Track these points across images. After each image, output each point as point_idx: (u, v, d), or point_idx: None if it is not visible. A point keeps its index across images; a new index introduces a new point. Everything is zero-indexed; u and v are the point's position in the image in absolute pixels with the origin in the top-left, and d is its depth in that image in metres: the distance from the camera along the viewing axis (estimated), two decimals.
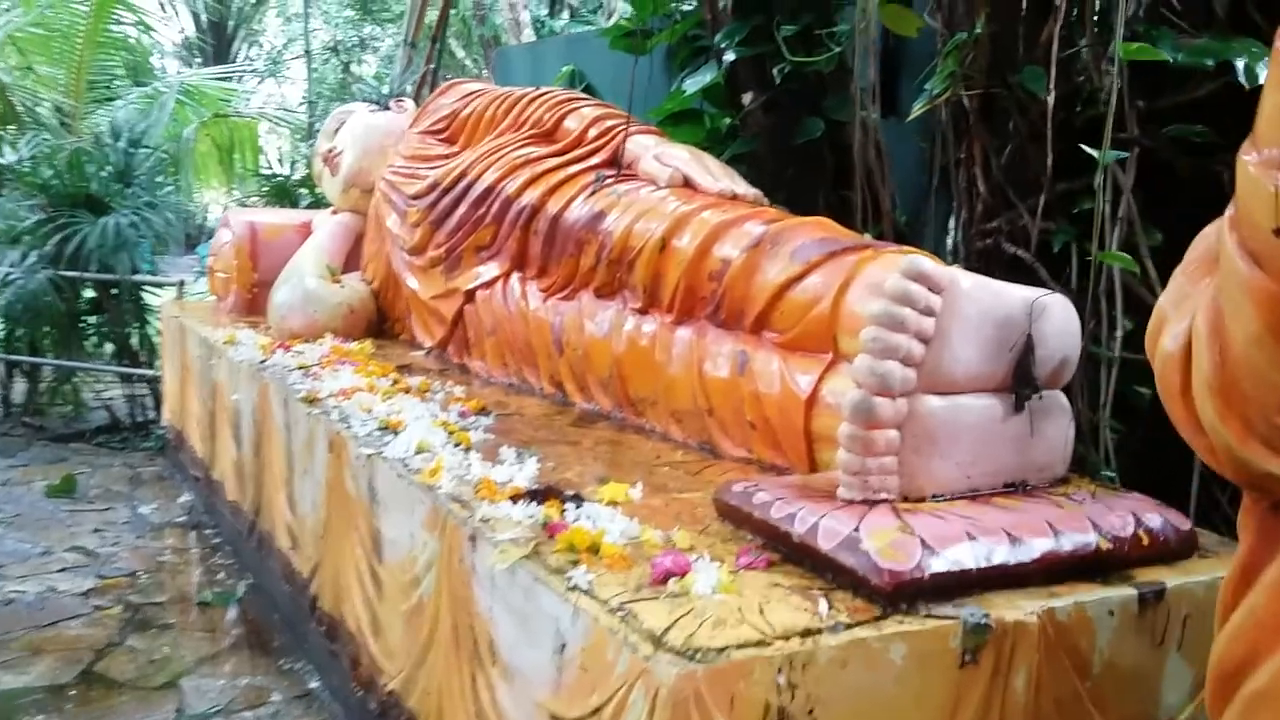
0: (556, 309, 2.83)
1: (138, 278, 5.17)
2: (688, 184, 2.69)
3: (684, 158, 2.75)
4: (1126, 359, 2.34)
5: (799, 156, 3.26)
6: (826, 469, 2.03)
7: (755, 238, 2.26)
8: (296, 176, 5.98)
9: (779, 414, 2.10)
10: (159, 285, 5.38)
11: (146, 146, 5.67)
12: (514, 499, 1.84)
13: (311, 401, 2.69)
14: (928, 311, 1.65)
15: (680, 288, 2.41)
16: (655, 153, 2.82)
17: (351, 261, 4.05)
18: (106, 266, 5.10)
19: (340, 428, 2.43)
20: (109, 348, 5.62)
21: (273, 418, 2.94)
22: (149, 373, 5.19)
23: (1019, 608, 1.49)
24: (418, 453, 2.19)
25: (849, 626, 1.39)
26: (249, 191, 7.96)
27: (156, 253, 5.63)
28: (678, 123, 3.54)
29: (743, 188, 2.60)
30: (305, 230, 4.35)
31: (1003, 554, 1.54)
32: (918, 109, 2.67)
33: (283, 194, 5.78)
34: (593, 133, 3.11)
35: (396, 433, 2.33)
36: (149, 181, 5.49)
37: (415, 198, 3.56)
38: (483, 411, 2.59)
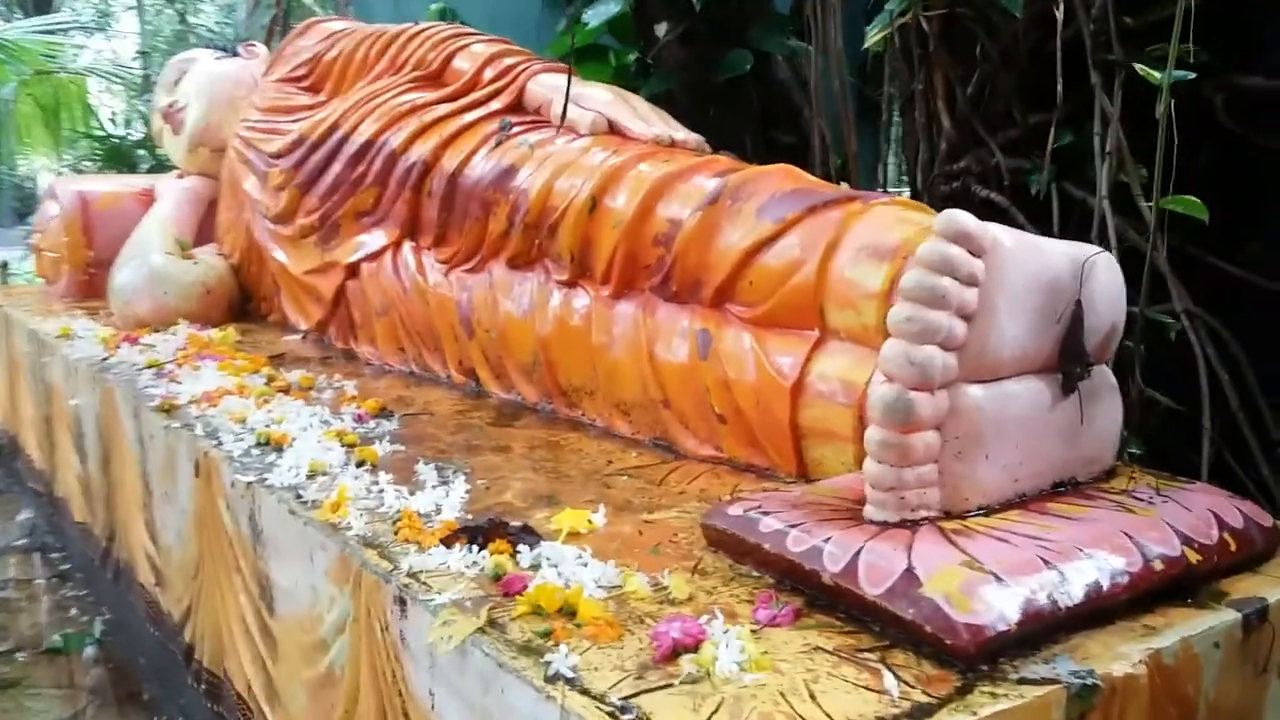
0: (462, 284, 2.40)
1: None
2: (613, 130, 2.28)
3: (606, 99, 2.33)
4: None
5: (721, 95, 2.89)
6: (818, 469, 1.69)
7: (710, 193, 1.88)
8: (135, 137, 5.30)
9: (755, 405, 1.74)
10: None
11: None
12: (448, 541, 1.44)
13: (168, 411, 2.21)
14: (970, 281, 1.30)
15: (618, 255, 2.01)
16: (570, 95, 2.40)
17: (204, 233, 3.51)
18: None
19: (208, 445, 1.97)
20: None
21: (122, 429, 2.44)
22: None
23: (1121, 655, 1.17)
24: (311, 476, 1.76)
25: (932, 710, 1.04)
26: (81, 156, 7.16)
27: None
28: (579, 61, 3.10)
29: (681, 133, 2.20)
30: (147, 198, 3.76)
31: (1087, 581, 1.22)
32: (875, 34, 2.32)
33: (119, 158, 5.11)
34: (489, 73, 2.66)
35: (280, 449, 1.89)
36: None
37: (277, 156, 3.06)
38: (383, 413, 2.16)
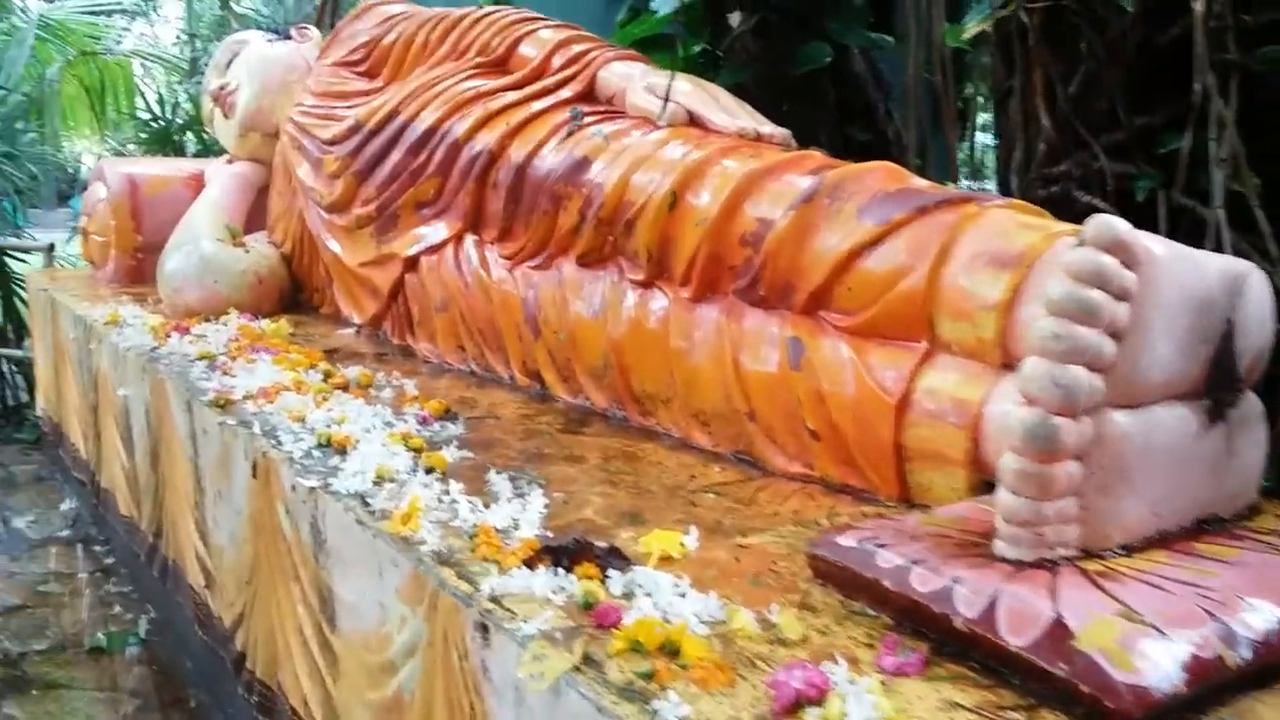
0: (528, 280, 2.29)
1: None
2: (694, 122, 2.17)
3: (686, 89, 2.21)
4: None
5: (796, 89, 2.76)
6: (923, 494, 1.57)
7: (805, 191, 1.76)
8: (179, 121, 5.23)
9: (854, 421, 1.62)
10: (24, 251, 4.63)
11: (2, 88, 4.87)
12: (531, 562, 1.33)
13: (223, 406, 2.12)
14: (1122, 295, 1.18)
15: (700, 255, 1.90)
16: (646, 83, 2.28)
17: (253, 220, 3.43)
18: None
19: (266, 445, 1.87)
20: None
21: (172, 423, 2.35)
22: (16, 354, 4.46)
23: None
24: (378, 483, 1.65)
25: None
26: (125, 138, 7.11)
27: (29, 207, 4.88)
28: (644, 51, 2.99)
29: (768, 127, 2.08)
30: (196, 183, 3.70)
31: (1255, 635, 1.09)
32: (973, 27, 2.18)
33: (165, 141, 5.04)
34: (558, 60, 2.55)
35: (343, 452, 1.80)
36: (6, 129, 4.71)
37: (332, 143, 2.96)
38: (447, 415, 2.06)
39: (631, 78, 2.34)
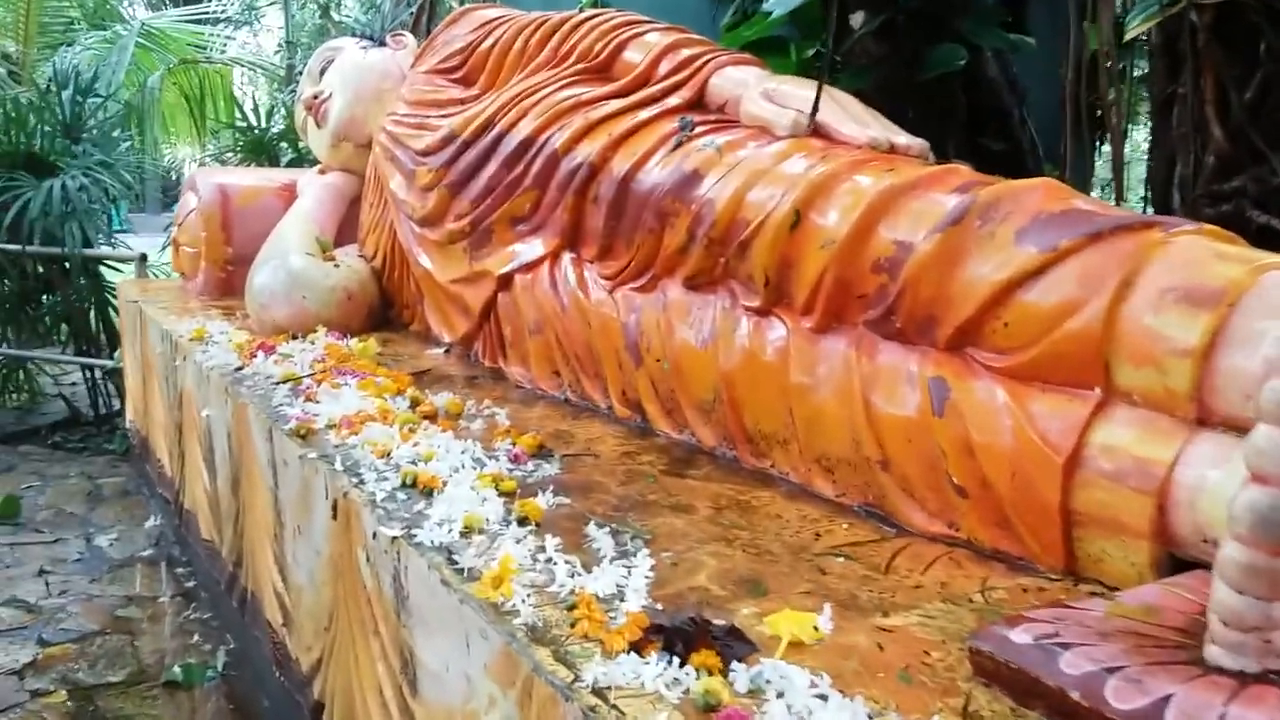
0: (630, 303, 2.12)
1: (89, 251, 4.40)
2: (818, 133, 1.96)
3: (809, 95, 2.01)
4: None
5: (923, 95, 2.53)
6: (1094, 567, 1.34)
7: (953, 211, 1.55)
8: (275, 129, 5.19)
9: (1010, 478, 1.40)
10: (118, 260, 4.61)
11: (98, 95, 4.87)
12: (639, 645, 1.14)
13: (304, 436, 1.98)
14: None
15: (826, 281, 1.69)
16: (763, 89, 2.08)
17: (345, 233, 3.32)
18: (54, 237, 4.33)
19: (348, 484, 1.72)
20: (65, 330, 4.86)
21: (253, 450, 2.23)
22: (108, 364, 4.44)
23: None
24: (465, 534, 1.49)
25: None
26: (224, 146, 7.16)
27: (130, 210, 4.89)
28: (756, 54, 2.80)
29: (903, 137, 1.87)
30: (288, 194, 3.61)
31: None
32: (1138, 25, 1.94)
33: (260, 149, 5.00)
34: (665, 66, 2.36)
35: (429, 494, 1.63)
36: (103, 136, 4.70)
37: (426, 154, 2.82)
38: (542, 451, 1.89)
39: (746, 84, 2.15)
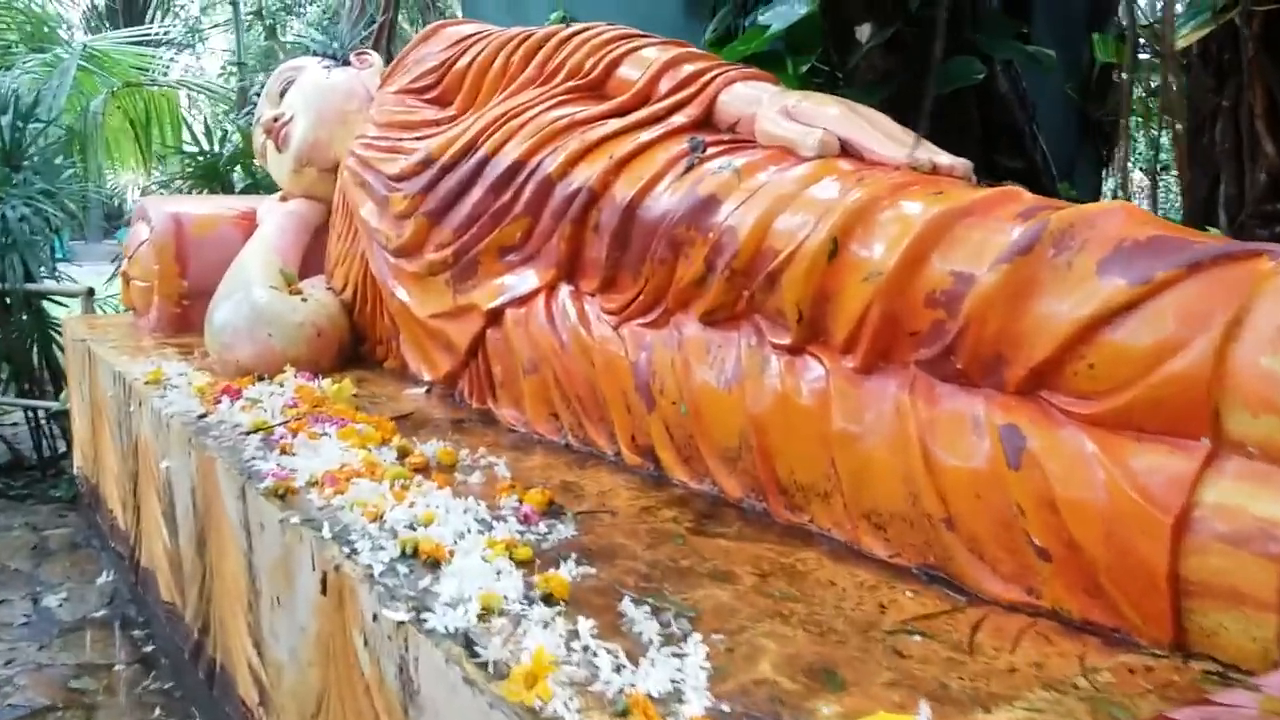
0: (639, 340, 1.94)
1: (31, 286, 4.13)
2: (847, 153, 1.81)
3: (834, 112, 1.85)
4: None
5: (935, 111, 2.39)
6: (1208, 641, 1.19)
7: (1022, 239, 1.39)
8: (226, 153, 4.94)
9: (1104, 540, 1.24)
10: (62, 295, 4.34)
11: (40, 120, 4.61)
12: None
13: (284, 496, 1.77)
14: None
15: (870, 317, 1.53)
16: (782, 107, 1.92)
17: (309, 264, 3.12)
18: None
19: (339, 554, 1.52)
20: (7, 369, 4.57)
21: (223, 508, 2.01)
22: (53, 405, 4.17)
23: None
24: (483, 617, 1.29)
25: None
26: (172, 173, 6.88)
27: (71, 238, 4.62)
28: None
29: (945, 157, 1.71)
30: (247, 222, 3.40)
31: None
32: (1188, 34, 1.80)
33: (213, 174, 4.75)
34: (666, 83, 2.19)
35: (434, 566, 1.44)
36: (44, 164, 4.44)
37: (400, 179, 2.63)
38: (552, 509, 1.70)
39: (760, 101, 1.99)
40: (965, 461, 1.39)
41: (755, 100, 2.00)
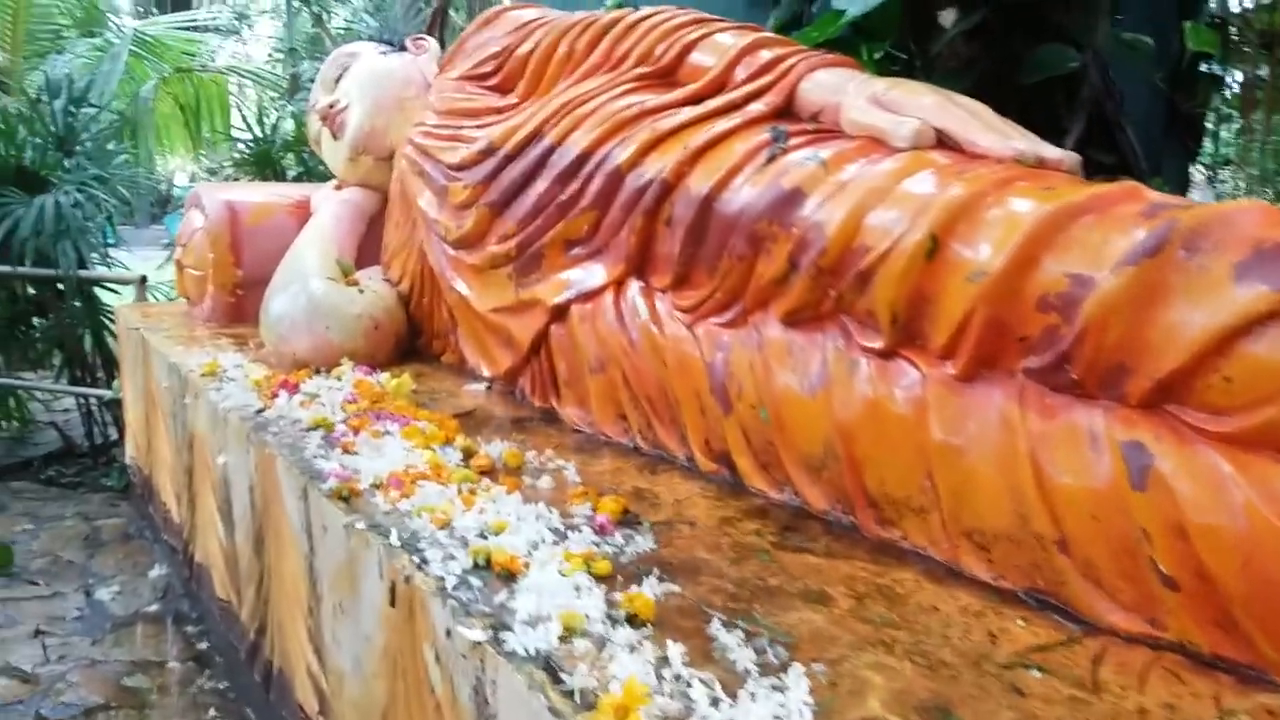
0: (714, 340, 1.85)
1: (85, 273, 4.11)
2: (943, 144, 1.70)
3: (929, 101, 1.75)
4: None
5: (1022, 103, 2.27)
6: None
7: (1149, 240, 1.28)
8: (280, 140, 4.90)
9: (1243, 569, 1.14)
10: (115, 282, 4.32)
11: (92, 105, 4.59)
12: None
13: (348, 499, 1.70)
14: None
15: (974, 321, 1.43)
16: (871, 94, 1.82)
17: (365, 254, 3.06)
18: (46, 257, 4.04)
19: (409, 565, 1.45)
20: (59, 356, 4.56)
21: (282, 508, 1.95)
22: (105, 394, 4.15)
23: None
24: (565, 638, 1.22)
25: None
26: (222, 157, 6.88)
27: (121, 223, 4.61)
28: None
29: (1051, 150, 1.60)
30: (301, 211, 3.34)
31: None
32: None
33: (266, 162, 4.71)
34: (742, 70, 2.10)
35: (510, 579, 1.36)
36: (97, 149, 4.42)
37: (460, 168, 2.56)
38: (627, 518, 1.62)
39: (845, 89, 1.89)
40: (1082, 480, 1.30)
41: (840, 88, 1.90)
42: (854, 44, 2.57)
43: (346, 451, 1.91)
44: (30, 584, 3.06)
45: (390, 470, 1.77)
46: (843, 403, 1.59)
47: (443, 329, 2.76)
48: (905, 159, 1.65)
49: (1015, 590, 1.38)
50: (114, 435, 4.44)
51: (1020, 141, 1.61)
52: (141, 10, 16.56)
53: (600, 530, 1.55)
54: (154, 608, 2.90)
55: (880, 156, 1.69)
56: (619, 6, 3.94)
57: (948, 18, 2.26)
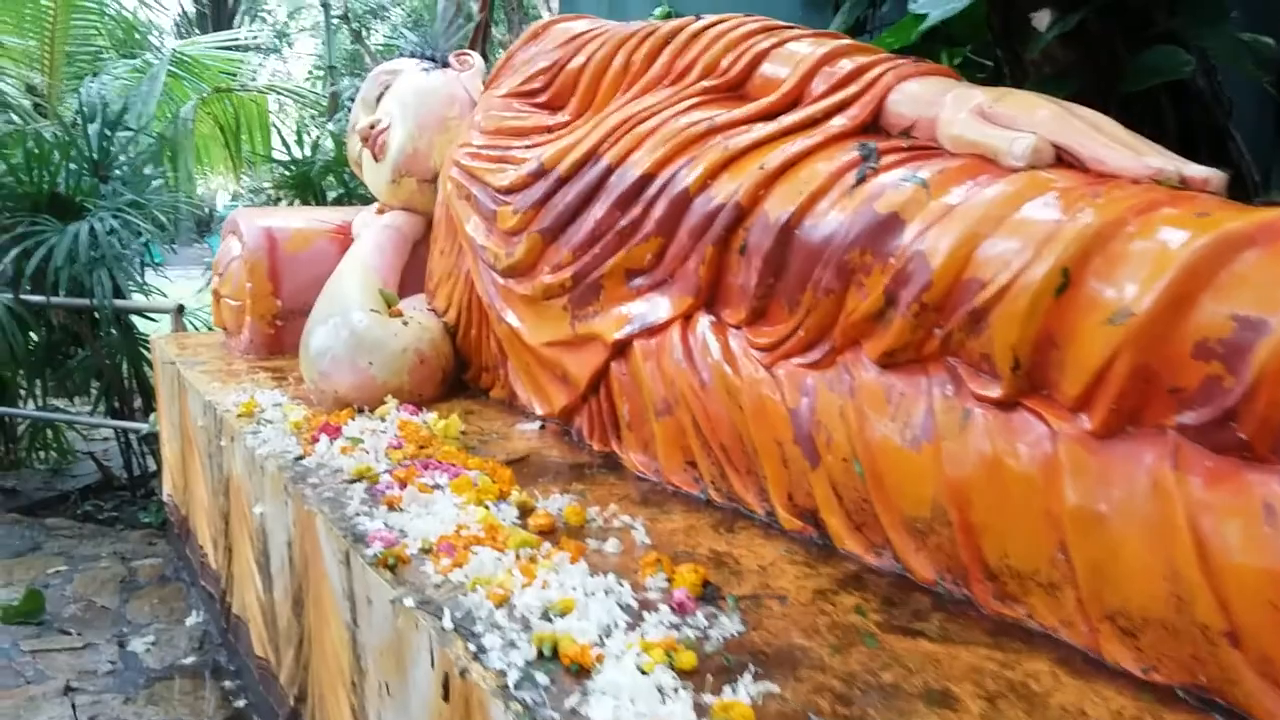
0: (798, 382, 1.66)
1: (121, 303, 3.99)
2: (1063, 162, 1.50)
3: (1046, 114, 1.54)
4: None
5: (1123, 110, 2.06)
6: None
7: None
8: (321, 160, 4.77)
9: None
10: (152, 311, 4.20)
11: (129, 128, 4.48)
12: None
13: (394, 568, 1.53)
14: None
15: (1117, 369, 1.23)
16: (975, 106, 1.62)
17: (408, 280, 2.90)
18: (82, 286, 3.92)
19: (463, 654, 1.26)
20: (96, 387, 4.45)
21: (323, 570, 1.78)
22: (142, 428, 4.02)
23: None
24: None
25: None
26: (262, 179, 6.78)
27: (164, 242, 4.50)
28: None
29: (1193, 168, 1.40)
30: (342, 237, 3.20)
31: None
32: None
33: (305, 184, 4.58)
34: (821, 82, 1.91)
35: (582, 675, 1.18)
36: (133, 173, 4.30)
37: (509, 191, 2.39)
38: (708, 591, 1.43)
39: (941, 101, 1.69)
40: (1256, 560, 1.09)
41: (935, 100, 1.70)
42: (932, 50, 2.38)
43: (392, 508, 1.74)
44: (62, 633, 2.92)
45: (440, 533, 1.60)
46: (954, 459, 1.40)
47: (492, 362, 2.59)
48: (1022, 180, 1.45)
49: (1173, 687, 1.17)
50: (153, 467, 4.33)
51: (1157, 158, 1.41)
52: (183, 30, 16.67)
53: (679, 609, 1.36)
54: (190, 660, 2.74)
55: (991, 177, 1.49)
56: (668, 15, 3.77)
57: (1042, 20, 2.05)
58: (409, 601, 1.41)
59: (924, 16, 2.21)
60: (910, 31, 2.28)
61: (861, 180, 1.63)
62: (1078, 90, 2.05)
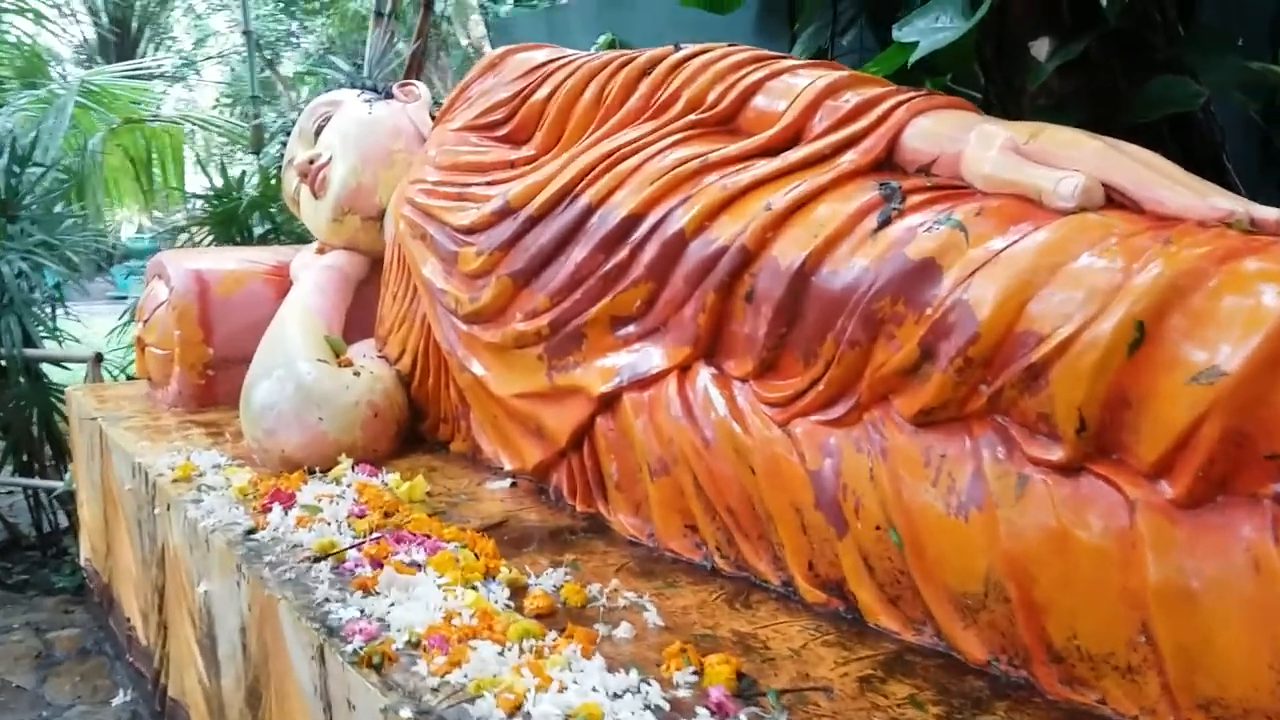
0: (818, 442, 1.52)
1: (32, 352, 3.69)
2: (1115, 203, 1.39)
3: (1090, 151, 1.43)
4: None
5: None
6: None
7: None
8: (244, 197, 4.51)
9: None
10: (66, 360, 3.89)
11: (38, 164, 4.19)
12: None
13: (379, 666, 1.34)
14: None
15: (1204, 434, 1.11)
16: (1008, 141, 1.50)
17: (351, 324, 2.70)
18: None
19: None
20: (4, 442, 4.12)
21: (288, 664, 1.58)
22: (57, 486, 3.72)
23: None
24: None
25: None
26: (173, 210, 6.46)
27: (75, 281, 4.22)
28: None
29: (1263, 210, 1.29)
30: (279, 278, 2.98)
31: None
32: None
33: (231, 220, 4.32)
34: (825, 117, 1.78)
35: None
36: (43, 212, 4.01)
37: (471, 231, 2.22)
38: (743, 685, 1.28)
39: (964, 137, 1.57)
40: None
41: (957, 136, 1.59)
42: (915, 78, 2.28)
43: (367, 592, 1.55)
44: None
45: (428, 622, 1.41)
46: (1012, 530, 1.27)
47: (451, 413, 2.41)
48: (1075, 224, 1.33)
49: None
50: (64, 523, 4.02)
51: (1223, 199, 1.30)
52: (85, 58, 16.08)
53: (719, 710, 1.20)
54: None
55: (1038, 221, 1.37)
56: (611, 44, 3.63)
57: (1041, 48, 1.97)
58: (405, 712, 1.23)
59: (912, 46, 2.10)
60: (896, 61, 2.17)
61: (886, 222, 1.50)
62: (1079, 122, 1.96)
